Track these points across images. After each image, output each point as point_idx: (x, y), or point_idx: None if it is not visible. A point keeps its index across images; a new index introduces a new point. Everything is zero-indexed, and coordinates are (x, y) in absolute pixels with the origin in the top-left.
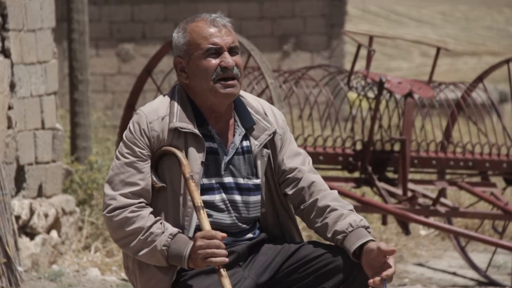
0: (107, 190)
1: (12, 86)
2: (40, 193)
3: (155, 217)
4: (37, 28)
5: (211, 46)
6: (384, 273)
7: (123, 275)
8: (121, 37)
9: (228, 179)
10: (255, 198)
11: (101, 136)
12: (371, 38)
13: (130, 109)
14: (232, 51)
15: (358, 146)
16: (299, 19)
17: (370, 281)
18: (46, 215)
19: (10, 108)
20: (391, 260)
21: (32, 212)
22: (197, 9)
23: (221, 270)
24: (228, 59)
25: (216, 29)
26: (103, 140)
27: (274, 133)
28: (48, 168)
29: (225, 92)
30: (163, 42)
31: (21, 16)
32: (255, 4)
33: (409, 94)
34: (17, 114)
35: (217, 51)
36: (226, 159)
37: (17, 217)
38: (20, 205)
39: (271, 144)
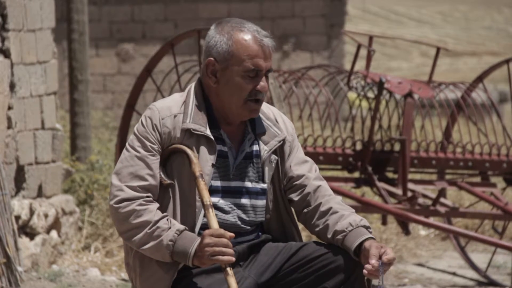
0: (115, 181)
1: (12, 86)
2: (40, 193)
3: (162, 213)
4: (37, 28)
5: (253, 68)
6: (385, 257)
7: (123, 275)
8: (121, 37)
9: (236, 183)
10: (262, 202)
11: (102, 136)
12: (371, 38)
13: (130, 109)
14: (267, 74)
15: (358, 146)
16: (299, 19)
17: (367, 266)
18: (46, 215)
19: (10, 108)
20: (389, 249)
21: (32, 212)
22: (197, 9)
23: (228, 268)
24: (264, 82)
25: (262, 51)
26: (105, 141)
27: (284, 140)
28: (48, 168)
29: (249, 114)
30: (163, 42)
31: (21, 16)
32: (255, 4)
33: (409, 94)
34: (17, 114)
35: (256, 73)
36: (235, 163)
37: (17, 217)
38: (20, 205)
39: (280, 150)
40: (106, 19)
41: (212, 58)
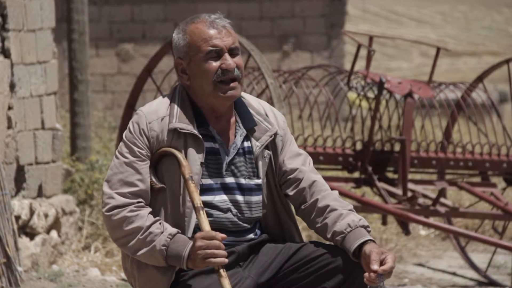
0: (106, 188)
1: (12, 86)
2: (40, 193)
3: (154, 217)
4: (37, 28)
5: (211, 48)
6: (381, 268)
7: (123, 275)
8: (121, 37)
9: (230, 179)
10: (257, 198)
11: (102, 135)
12: (371, 38)
13: (130, 109)
14: (233, 52)
15: (358, 146)
16: (299, 19)
17: (366, 274)
18: (46, 215)
19: (10, 108)
20: (390, 257)
21: (32, 212)
22: (197, 9)
23: (221, 270)
24: (229, 61)
25: (216, 31)
26: (106, 141)
27: (275, 134)
28: (48, 168)
29: (226, 96)
30: (163, 42)
31: (21, 16)
32: (255, 4)
33: (409, 94)
34: (17, 114)
35: (217, 53)
36: (227, 159)
37: (17, 217)
38: (20, 205)
39: (272, 145)
40: (106, 19)
41: (177, 58)
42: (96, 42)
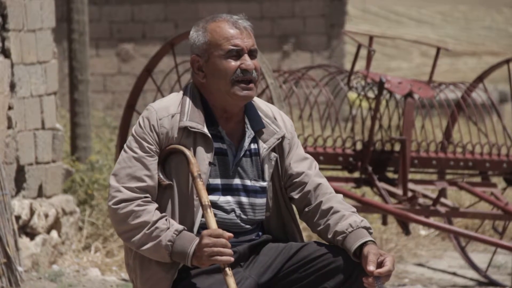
0: (113, 182)
1: (12, 86)
2: (40, 193)
3: (161, 213)
4: (37, 28)
5: (232, 47)
6: (377, 270)
7: (123, 275)
8: (121, 37)
9: (236, 181)
10: (262, 200)
11: (102, 135)
12: (371, 38)
13: (130, 109)
14: (252, 54)
15: (358, 146)
16: (299, 19)
17: (364, 278)
18: (46, 215)
19: (10, 108)
20: (388, 259)
21: (32, 212)
22: (197, 9)
23: (226, 269)
24: (249, 61)
25: (238, 31)
26: (106, 140)
27: (283, 137)
28: (48, 168)
29: (243, 95)
30: (163, 42)
31: (21, 16)
32: (255, 4)
33: (409, 94)
34: (17, 114)
35: (238, 53)
36: (234, 160)
37: (17, 217)
38: (20, 205)
39: (279, 148)
40: (106, 19)
41: (194, 55)
42: (96, 42)
